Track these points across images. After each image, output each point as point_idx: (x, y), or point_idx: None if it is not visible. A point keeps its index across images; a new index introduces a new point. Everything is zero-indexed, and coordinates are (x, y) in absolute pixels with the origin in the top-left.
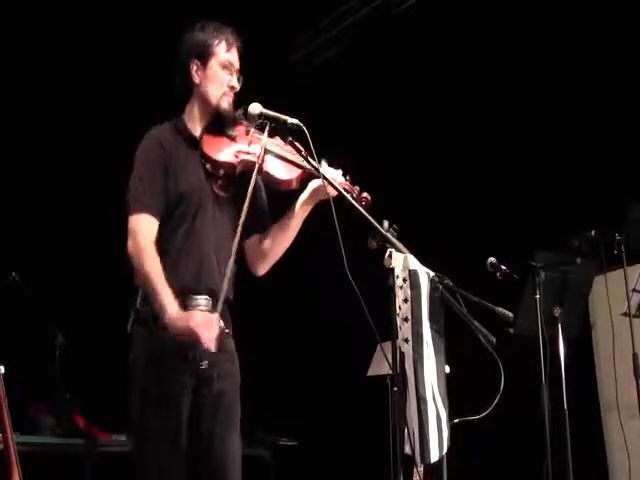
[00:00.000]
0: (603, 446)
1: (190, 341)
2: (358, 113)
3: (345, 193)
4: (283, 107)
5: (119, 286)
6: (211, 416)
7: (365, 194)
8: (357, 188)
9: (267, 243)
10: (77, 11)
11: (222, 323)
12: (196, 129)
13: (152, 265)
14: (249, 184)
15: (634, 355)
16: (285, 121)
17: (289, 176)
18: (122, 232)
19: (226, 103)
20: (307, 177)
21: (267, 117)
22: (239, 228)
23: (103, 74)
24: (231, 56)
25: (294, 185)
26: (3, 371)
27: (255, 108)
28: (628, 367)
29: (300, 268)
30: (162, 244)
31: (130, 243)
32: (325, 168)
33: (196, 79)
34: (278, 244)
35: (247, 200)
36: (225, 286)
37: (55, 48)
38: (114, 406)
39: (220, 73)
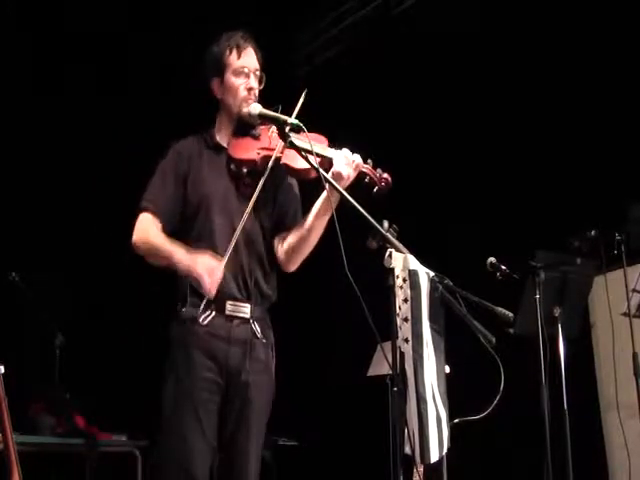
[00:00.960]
0: (603, 446)
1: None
2: (358, 113)
3: (344, 192)
4: (283, 107)
5: (119, 286)
6: (235, 421)
7: (385, 175)
8: (379, 170)
9: (293, 240)
10: (77, 11)
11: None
12: (224, 138)
13: (153, 236)
14: (273, 178)
15: (634, 355)
16: (285, 121)
17: (305, 166)
18: (122, 232)
19: (247, 107)
20: (328, 167)
21: (267, 117)
22: (247, 211)
23: (104, 74)
24: (244, 60)
25: (313, 174)
26: (3, 371)
27: (254, 108)
28: (628, 367)
29: (300, 268)
30: (191, 244)
31: (133, 238)
32: (345, 153)
33: (218, 95)
34: (304, 241)
35: (258, 187)
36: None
37: (55, 48)
38: (114, 406)
39: (235, 81)
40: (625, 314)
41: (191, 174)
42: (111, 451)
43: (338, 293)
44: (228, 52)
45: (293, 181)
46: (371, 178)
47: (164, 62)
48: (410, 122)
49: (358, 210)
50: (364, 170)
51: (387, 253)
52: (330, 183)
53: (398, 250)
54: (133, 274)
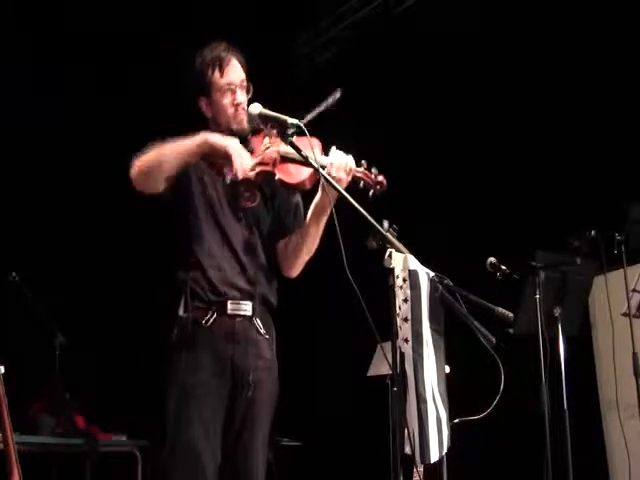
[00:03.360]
0: (603, 446)
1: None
2: (358, 113)
3: (344, 193)
4: (283, 107)
5: (120, 286)
6: (241, 421)
7: (380, 178)
8: (374, 171)
9: (291, 246)
10: (77, 11)
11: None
12: None
13: (157, 147)
14: (273, 192)
15: (634, 355)
16: (285, 121)
17: (299, 178)
18: (123, 231)
19: (237, 124)
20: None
21: (267, 117)
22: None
23: (104, 74)
24: (229, 76)
25: (307, 186)
26: (3, 371)
27: (255, 108)
28: (628, 367)
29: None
30: (193, 262)
31: (132, 173)
32: (335, 154)
33: (208, 114)
34: (300, 247)
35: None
36: None
37: (55, 48)
38: (114, 406)
39: (222, 100)
40: (625, 314)
41: (186, 180)
42: (111, 451)
43: (338, 293)
44: (211, 71)
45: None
46: (366, 182)
47: (164, 62)
48: (410, 122)
49: (358, 210)
50: (358, 175)
51: (387, 253)
52: (330, 184)
53: (398, 250)
54: (133, 274)
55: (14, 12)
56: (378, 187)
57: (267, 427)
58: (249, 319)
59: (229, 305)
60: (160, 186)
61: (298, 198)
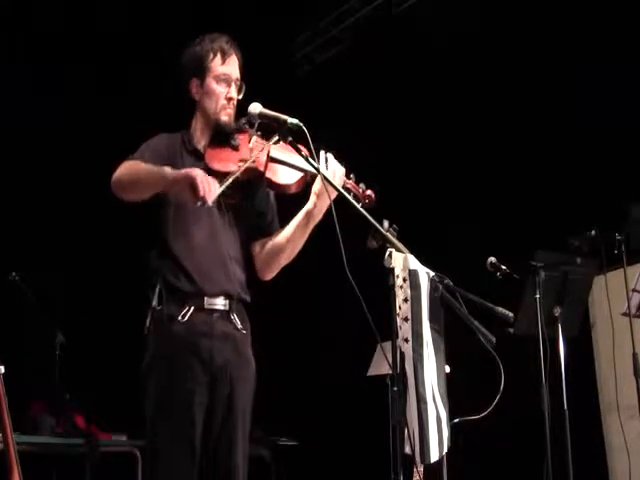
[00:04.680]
0: (603, 446)
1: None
2: (358, 113)
3: (345, 193)
4: (283, 107)
5: (119, 286)
6: (222, 417)
7: (369, 192)
8: (362, 186)
9: (271, 249)
10: (77, 11)
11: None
12: (201, 142)
13: (134, 165)
14: (253, 191)
15: (634, 355)
16: (285, 121)
17: (288, 180)
18: (123, 232)
19: (225, 116)
20: (310, 181)
21: (267, 117)
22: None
23: (104, 74)
24: (227, 67)
25: (293, 189)
26: (3, 371)
27: (255, 108)
28: (628, 367)
29: (300, 267)
30: (170, 252)
31: (115, 174)
32: (330, 162)
33: (196, 96)
34: (281, 252)
35: (225, 184)
36: None
37: (55, 48)
38: (114, 406)
39: (216, 87)
40: (625, 314)
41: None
42: (111, 451)
43: (338, 293)
44: (212, 55)
45: (268, 190)
46: (355, 194)
47: (164, 62)
48: (410, 122)
49: (358, 210)
50: (347, 186)
51: (387, 253)
52: (328, 181)
53: (398, 250)
54: (133, 273)
55: (14, 12)
56: (367, 201)
57: (248, 422)
58: (226, 314)
59: (206, 300)
60: (141, 198)
61: (274, 201)
